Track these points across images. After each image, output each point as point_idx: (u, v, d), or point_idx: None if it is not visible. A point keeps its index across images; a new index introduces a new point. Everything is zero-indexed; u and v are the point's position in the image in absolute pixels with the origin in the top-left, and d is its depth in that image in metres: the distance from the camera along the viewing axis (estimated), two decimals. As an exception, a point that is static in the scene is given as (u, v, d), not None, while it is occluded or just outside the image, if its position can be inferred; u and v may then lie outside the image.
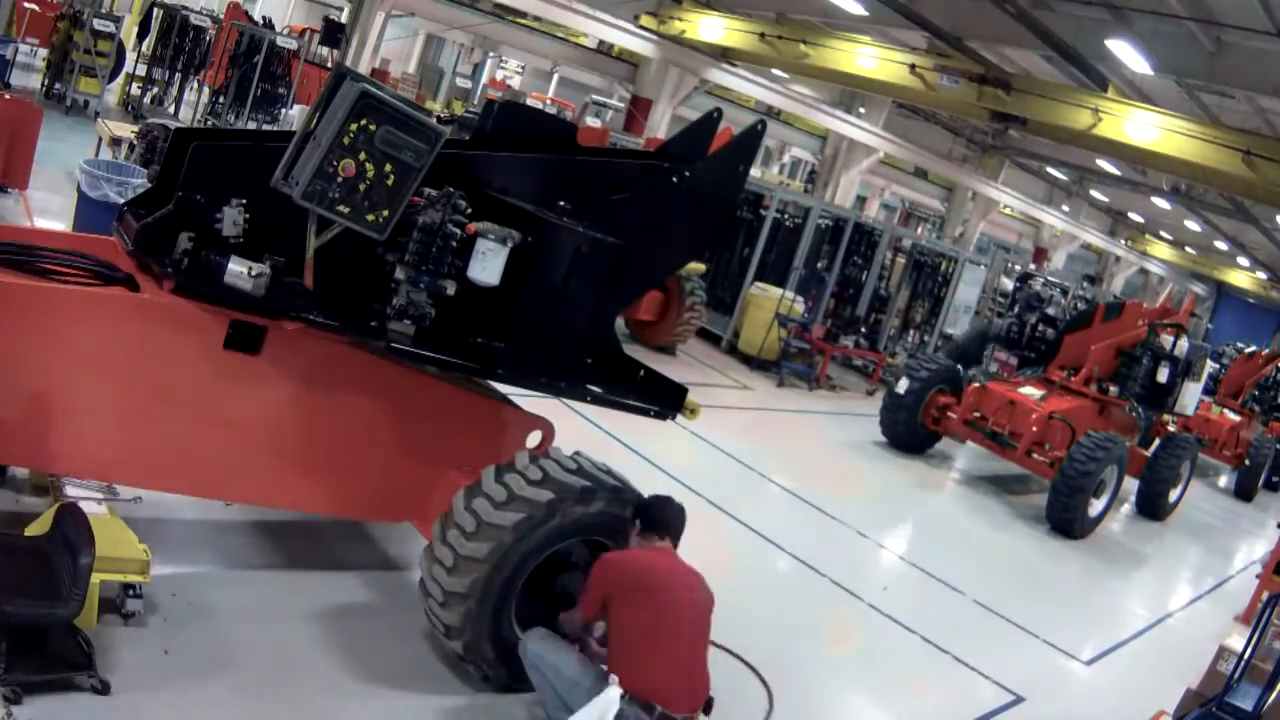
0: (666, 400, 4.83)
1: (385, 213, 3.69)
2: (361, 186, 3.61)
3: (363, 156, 3.57)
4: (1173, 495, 11.28)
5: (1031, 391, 10.37)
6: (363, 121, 3.53)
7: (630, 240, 4.35)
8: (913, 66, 17.13)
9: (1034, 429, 9.72)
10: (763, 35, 19.21)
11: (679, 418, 4.92)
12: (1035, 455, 9.77)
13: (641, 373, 4.90)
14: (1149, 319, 11.11)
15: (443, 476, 4.38)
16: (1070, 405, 10.15)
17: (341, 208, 3.61)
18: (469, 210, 3.97)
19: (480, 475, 4.13)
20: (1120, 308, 11.33)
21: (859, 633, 6.11)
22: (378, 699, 3.96)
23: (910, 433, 10.71)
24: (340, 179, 3.56)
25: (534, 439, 4.86)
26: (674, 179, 4.61)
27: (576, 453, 4.35)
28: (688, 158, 4.78)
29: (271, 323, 3.90)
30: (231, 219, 3.71)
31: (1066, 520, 9.28)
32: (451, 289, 3.94)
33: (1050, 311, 12.23)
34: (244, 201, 3.73)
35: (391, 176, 3.64)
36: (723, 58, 20.86)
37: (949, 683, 5.74)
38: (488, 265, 3.93)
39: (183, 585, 4.22)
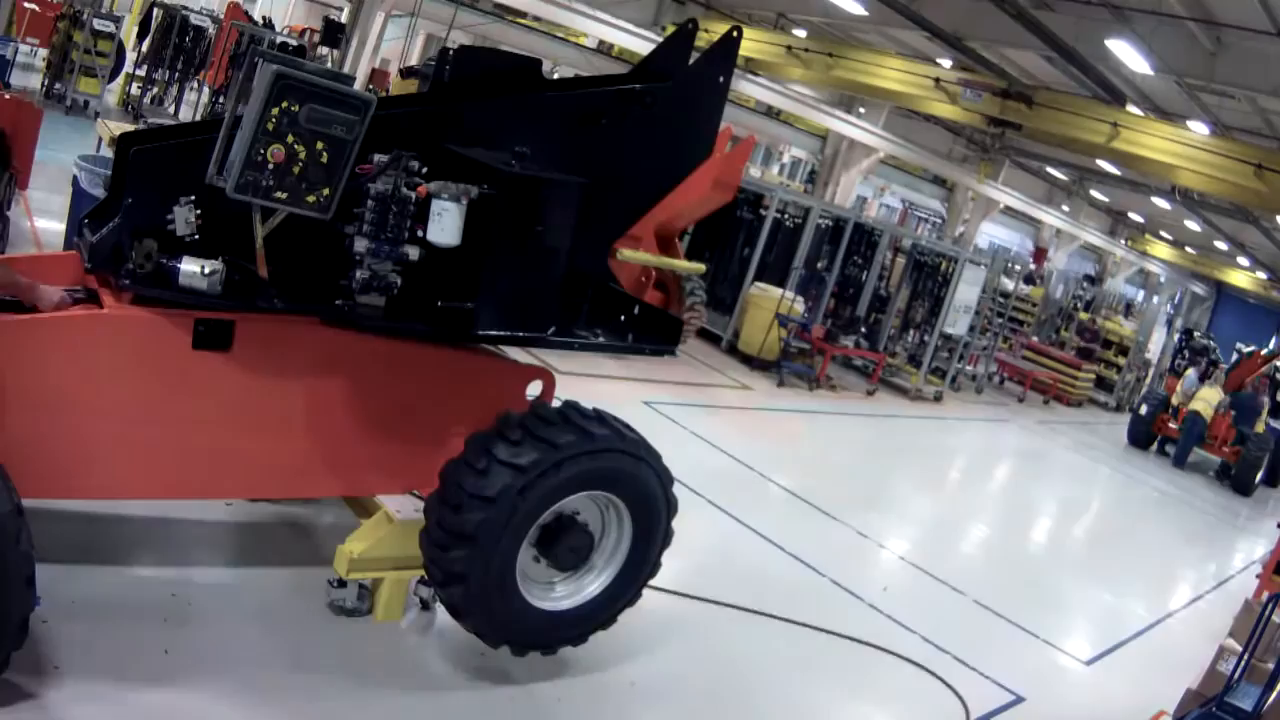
0: (661, 337, 4.65)
1: (325, 191, 3.53)
2: (295, 169, 3.44)
3: (291, 139, 3.39)
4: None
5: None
6: (284, 104, 3.36)
7: (610, 170, 4.18)
8: (937, 81, 17.58)
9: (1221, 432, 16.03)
10: (789, 49, 19.27)
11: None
12: (1223, 447, 15.90)
13: (636, 309, 4.67)
14: (1264, 360, 17.68)
15: (445, 440, 4.25)
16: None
17: (279, 194, 3.46)
18: (424, 170, 3.83)
19: (465, 446, 4.01)
20: (1252, 354, 17.88)
21: (859, 632, 6.10)
22: (378, 699, 3.96)
23: (1145, 435, 16.78)
24: (271, 166, 3.40)
25: (534, 390, 4.70)
26: (649, 99, 4.34)
27: (558, 404, 4.21)
28: (665, 75, 4.49)
29: (239, 316, 3.79)
30: (183, 218, 3.60)
31: (1245, 483, 15.26)
32: (415, 254, 3.82)
33: (1212, 358, 18.11)
34: (193, 198, 3.61)
35: (325, 154, 3.48)
36: (745, 69, 20.89)
37: (949, 682, 5.74)
38: (445, 226, 3.78)
39: (183, 585, 4.22)
